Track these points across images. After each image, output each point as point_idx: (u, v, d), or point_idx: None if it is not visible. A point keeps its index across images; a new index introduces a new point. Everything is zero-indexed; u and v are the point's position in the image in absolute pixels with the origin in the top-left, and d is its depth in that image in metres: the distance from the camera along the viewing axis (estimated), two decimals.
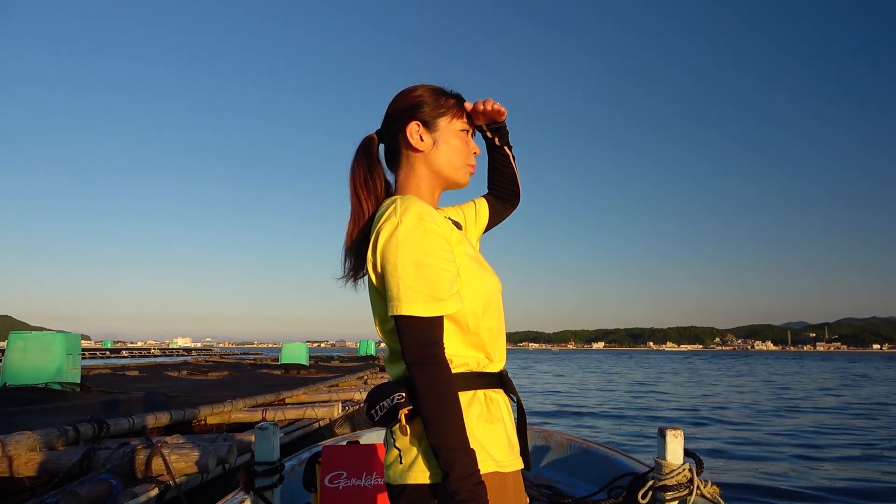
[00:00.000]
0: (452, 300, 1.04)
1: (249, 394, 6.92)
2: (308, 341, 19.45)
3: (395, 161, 1.24)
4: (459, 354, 1.09)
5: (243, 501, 2.39)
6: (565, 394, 18.91)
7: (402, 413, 1.04)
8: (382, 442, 1.61)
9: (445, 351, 1.04)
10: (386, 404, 1.05)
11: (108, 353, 51.90)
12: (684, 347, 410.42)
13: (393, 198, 1.13)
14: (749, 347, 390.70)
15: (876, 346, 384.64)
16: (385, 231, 1.05)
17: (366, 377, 12.80)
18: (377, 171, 1.21)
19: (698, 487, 2.25)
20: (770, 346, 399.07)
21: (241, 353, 48.75)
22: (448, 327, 1.06)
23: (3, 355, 7.92)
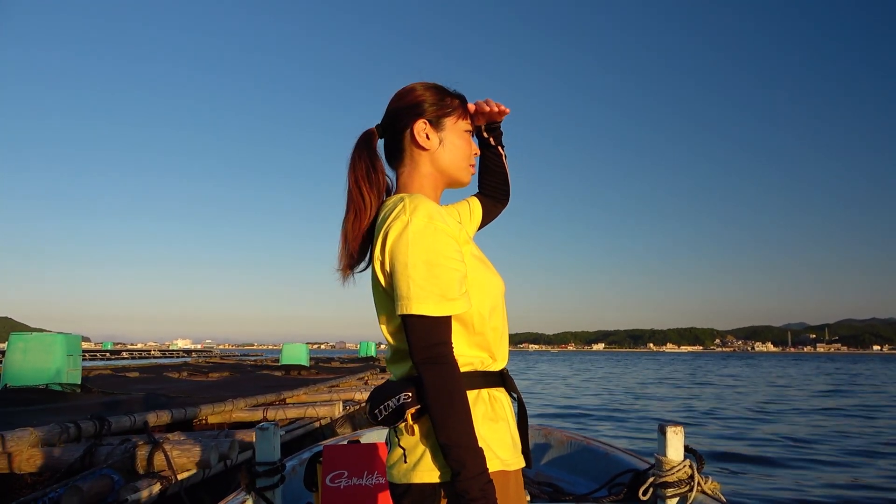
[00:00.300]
0: (462, 300, 1.04)
1: (250, 394, 6.94)
2: (308, 343, 19.30)
3: (397, 158, 1.23)
4: (464, 354, 1.09)
5: (244, 502, 2.40)
6: (565, 394, 18.91)
7: (409, 412, 1.03)
8: (383, 441, 1.62)
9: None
10: (392, 403, 1.05)
11: (108, 354, 52.07)
12: (684, 348, 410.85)
13: (400, 195, 1.12)
14: (749, 349, 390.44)
15: (876, 348, 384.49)
16: (395, 229, 1.04)
17: (366, 378, 12.83)
18: (379, 165, 1.20)
19: (699, 484, 2.26)
20: (770, 347, 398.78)
21: (241, 355, 48.75)
22: (454, 327, 1.06)
23: (3, 356, 7.92)
